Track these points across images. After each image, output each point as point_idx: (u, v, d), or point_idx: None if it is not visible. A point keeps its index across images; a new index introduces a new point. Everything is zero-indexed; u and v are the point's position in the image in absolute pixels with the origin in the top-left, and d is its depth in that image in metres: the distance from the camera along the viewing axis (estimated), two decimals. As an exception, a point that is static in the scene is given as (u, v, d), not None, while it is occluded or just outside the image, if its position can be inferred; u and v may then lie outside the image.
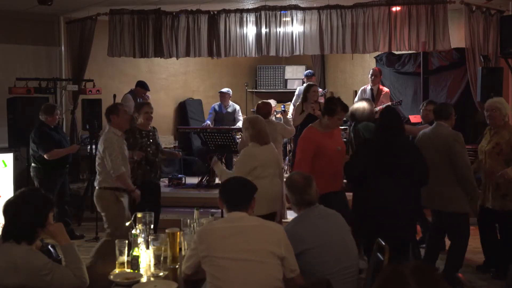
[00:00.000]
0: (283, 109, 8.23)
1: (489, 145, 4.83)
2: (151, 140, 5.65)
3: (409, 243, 4.50)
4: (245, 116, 8.89)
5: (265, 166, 4.80)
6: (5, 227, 2.75)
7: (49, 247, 3.37)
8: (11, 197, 2.87)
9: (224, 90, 8.77)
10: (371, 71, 7.88)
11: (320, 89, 8.07)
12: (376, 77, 7.77)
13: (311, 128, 4.98)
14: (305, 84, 7.41)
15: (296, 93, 8.62)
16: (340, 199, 4.90)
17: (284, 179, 4.43)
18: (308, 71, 8.84)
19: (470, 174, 4.56)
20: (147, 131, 5.66)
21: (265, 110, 6.08)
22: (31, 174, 6.42)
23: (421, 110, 5.94)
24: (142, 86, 8.10)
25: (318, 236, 3.18)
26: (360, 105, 5.85)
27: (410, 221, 4.35)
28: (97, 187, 5.06)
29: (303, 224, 3.26)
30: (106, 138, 4.98)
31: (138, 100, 8.00)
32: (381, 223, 4.14)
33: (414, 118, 7.48)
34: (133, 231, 3.48)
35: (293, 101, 8.60)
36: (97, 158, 5.09)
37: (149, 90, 8.16)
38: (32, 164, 6.41)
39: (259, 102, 6.26)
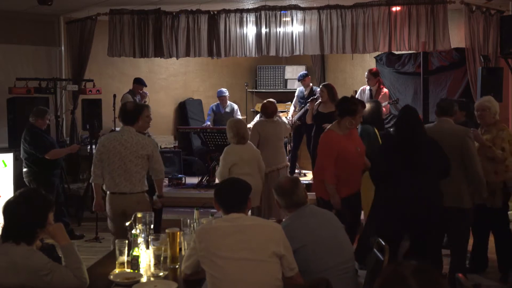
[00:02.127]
0: None
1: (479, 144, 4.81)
2: None
3: (439, 239, 4.46)
4: (245, 116, 8.91)
5: (246, 163, 5.10)
6: (4, 228, 2.74)
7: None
8: (11, 197, 2.86)
9: (222, 92, 8.75)
10: (366, 73, 7.88)
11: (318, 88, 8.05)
12: (369, 79, 7.74)
13: (331, 132, 4.87)
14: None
15: (296, 94, 8.62)
16: (358, 199, 4.93)
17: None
18: (301, 73, 8.76)
19: (481, 170, 4.54)
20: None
21: (271, 110, 6.13)
22: (26, 179, 6.18)
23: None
24: (139, 83, 8.14)
25: (309, 233, 3.20)
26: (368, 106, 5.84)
27: (437, 215, 4.28)
28: (136, 192, 4.57)
29: (294, 223, 3.29)
30: (148, 141, 4.66)
31: (137, 97, 8.02)
32: (412, 220, 4.11)
33: (414, 118, 7.47)
34: (133, 231, 3.48)
35: (293, 102, 8.59)
36: (134, 160, 4.55)
37: (146, 86, 8.18)
38: (25, 169, 6.18)
39: (265, 101, 6.26)
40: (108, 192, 4.62)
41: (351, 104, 4.83)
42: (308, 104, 7.57)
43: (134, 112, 4.71)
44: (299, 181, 3.51)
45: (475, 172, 4.50)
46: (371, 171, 4.56)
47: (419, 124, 4.39)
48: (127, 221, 3.83)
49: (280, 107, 8.09)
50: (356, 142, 4.89)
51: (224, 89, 8.86)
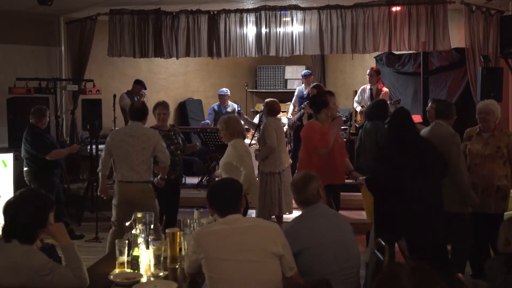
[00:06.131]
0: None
1: (489, 149, 4.71)
2: (170, 141, 5.62)
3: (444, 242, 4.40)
4: (245, 116, 8.91)
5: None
6: (5, 227, 2.75)
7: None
8: (11, 197, 2.86)
9: (223, 92, 8.77)
10: (368, 70, 7.88)
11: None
12: (372, 76, 7.75)
13: (312, 123, 5.10)
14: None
15: (296, 93, 8.62)
16: (334, 192, 5.04)
17: None
18: (305, 71, 8.79)
19: (461, 177, 4.41)
20: (164, 131, 5.62)
21: (278, 108, 6.24)
22: (26, 178, 6.18)
23: (428, 110, 5.94)
24: (139, 83, 8.18)
25: (315, 235, 3.18)
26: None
27: (439, 217, 4.25)
28: (141, 181, 4.90)
29: (302, 223, 3.27)
30: (152, 133, 5.06)
31: (135, 98, 8.04)
32: (421, 223, 4.10)
33: (414, 118, 7.44)
34: (133, 231, 3.48)
35: (292, 102, 8.59)
36: (140, 151, 4.91)
37: (145, 88, 8.21)
38: (26, 168, 6.19)
39: (269, 100, 6.30)
40: (116, 180, 4.98)
41: (318, 98, 5.08)
42: (302, 109, 7.57)
43: (142, 109, 5.16)
44: (313, 178, 3.36)
45: (458, 182, 4.38)
46: (371, 188, 4.44)
47: (412, 125, 4.37)
48: (131, 209, 4.09)
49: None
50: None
51: (225, 89, 8.87)
